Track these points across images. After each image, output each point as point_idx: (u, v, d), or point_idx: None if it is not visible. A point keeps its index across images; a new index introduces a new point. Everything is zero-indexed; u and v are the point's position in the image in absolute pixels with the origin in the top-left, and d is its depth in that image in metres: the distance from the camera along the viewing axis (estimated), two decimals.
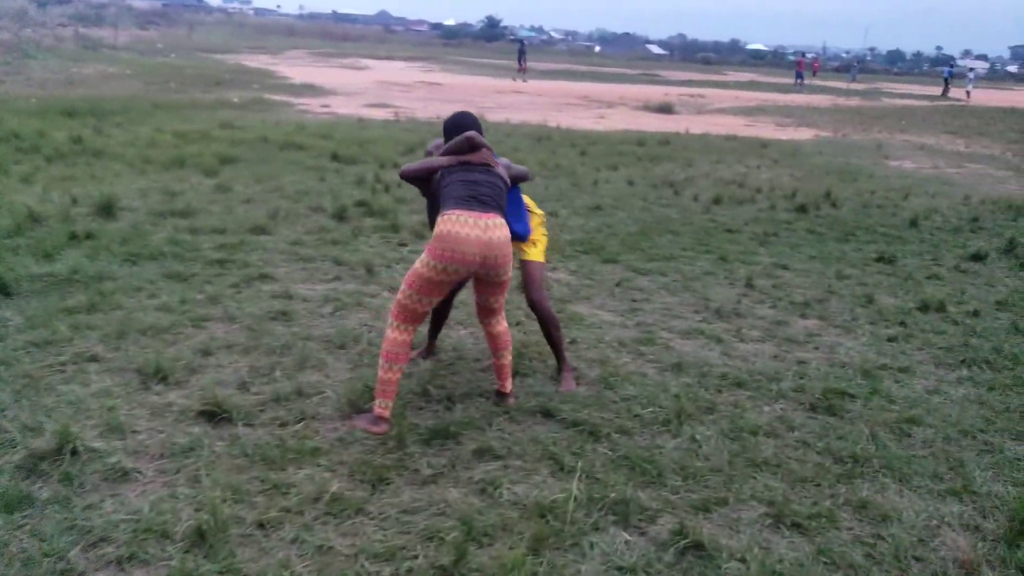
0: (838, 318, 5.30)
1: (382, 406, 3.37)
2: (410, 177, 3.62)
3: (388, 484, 2.99)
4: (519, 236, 3.86)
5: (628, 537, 2.75)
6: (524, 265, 4.01)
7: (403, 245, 6.31)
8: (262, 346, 4.19)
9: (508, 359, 3.71)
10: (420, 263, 3.38)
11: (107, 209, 6.54)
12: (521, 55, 33.18)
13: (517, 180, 3.76)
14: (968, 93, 37.76)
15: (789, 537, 2.81)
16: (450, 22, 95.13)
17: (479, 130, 3.61)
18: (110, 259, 5.43)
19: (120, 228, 6.18)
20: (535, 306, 3.99)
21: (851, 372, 4.36)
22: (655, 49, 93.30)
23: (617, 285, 5.70)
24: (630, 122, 17.60)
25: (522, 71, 32.11)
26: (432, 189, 3.65)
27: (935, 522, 2.95)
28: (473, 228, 3.31)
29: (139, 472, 3.00)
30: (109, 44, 29.66)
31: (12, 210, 6.28)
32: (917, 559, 2.75)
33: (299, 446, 3.20)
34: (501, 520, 2.76)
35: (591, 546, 2.68)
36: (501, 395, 3.71)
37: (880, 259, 6.94)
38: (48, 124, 10.53)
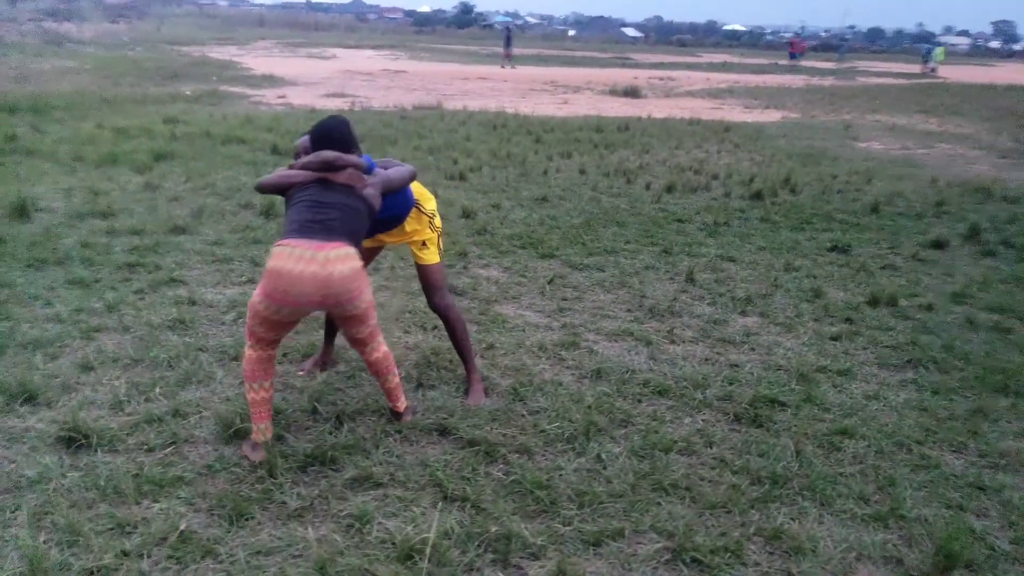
0: (780, 315, 5.04)
1: (257, 430, 3.07)
2: (267, 191, 3.19)
3: (248, 520, 2.70)
4: (398, 216, 3.47)
5: None
6: (421, 271, 3.67)
7: None
8: (149, 359, 3.87)
9: (394, 381, 3.32)
10: (255, 296, 2.96)
11: (21, 211, 6.17)
12: (508, 41, 32.68)
13: (402, 186, 3.33)
14: (933, 69, 37.85)
15: None
16: (424, 9, 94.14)
17: (346, 142, 3.18)
18: (12, 265, 5.09)
19: (31, 231, 5.83)
20: (440, 312, 3.70)
21: (786, 376, 4.10)
22: (630, 32, 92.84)
23: (549, 283, 5.41)
24: (593, 107, 17.27)
25: (508, 57, 31.62)
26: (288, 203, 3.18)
27: (854, 554, 2.69)
28: (309, 263, 2.85)
29: None
30: (74, 39, 28.89)
31: None
32: None
33: (159, 476, 2.90)
34: (362, 563, 2.47)
35: None
36: (396, 415, 3.39)
37: (834, 248, 6.70)
38: None
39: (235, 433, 3.19)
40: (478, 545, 2.60)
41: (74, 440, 3.07)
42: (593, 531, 2.70)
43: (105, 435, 3.14)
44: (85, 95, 13.38)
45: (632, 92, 21.43)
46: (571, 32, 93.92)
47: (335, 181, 3.07)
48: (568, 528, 2.72)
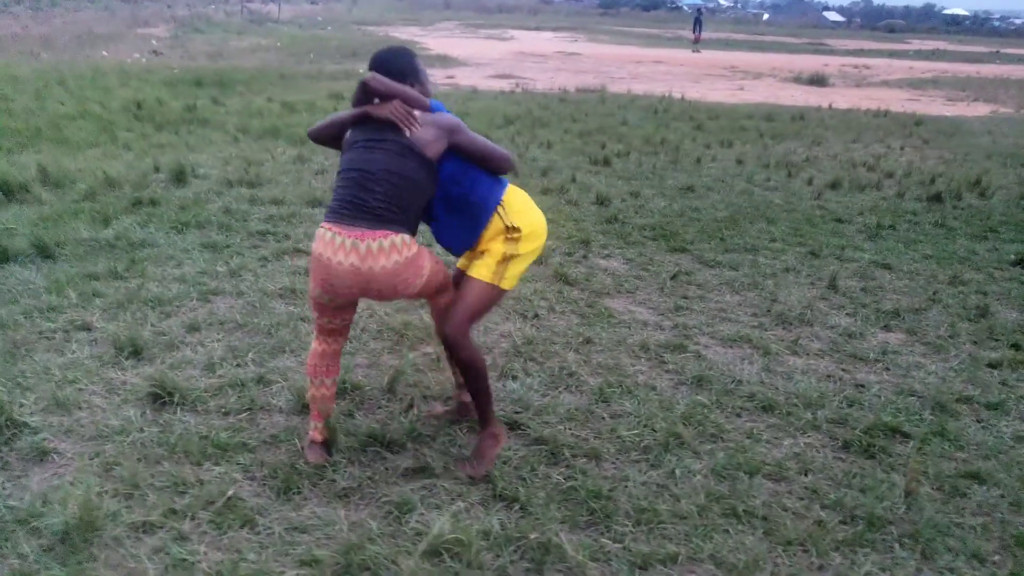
0: (931, 333, 4.43)
1: (315, 428, 2.90)
2: (318, 139, 2.76)
3: (296, 494, 2.68)
4: (452, 248, 2.86)
5: None
6: (462, 282, 2.84)
7: None
8: (252, 325, 4.00)
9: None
10: (310, 281, 2.71)
11: (180, 176, 6.66)
12: (697, 24, 31.64)
13: (480, 154, 2.69)
14: None
15: None
16: None
17: (402, 73, 2.63)
18: (159, 226, 5.48)
19: (184, 196, 6.25)
20: (447, 343, 2.77)
21: (919, 404, 3.57)
22: (831, 16, 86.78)
23: (672, 278, 5.07)
24: (770, 95, 16.27)
25: (696, 41, 30.58)
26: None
27: None
28: (349, 254, 2.49)
29: (59, 454, 2.87)
30: (273, 19, 31.25)
31: (93, 175, 6.51)
32: None
33: (226, 440, 2.96)
34: (389, 553, 2.37)
35: None
36: (463, 407, 3.12)
37: (1020, 263, 5.82)
38: (172, 93, 11.06)
39: (307, 406, 3.20)
40: (514, 550, 2.43)
41: (160, 397, 3.21)
42: (643, 552, 2.44)
43: (190, 395, 3.26)
44: (266, 71, 14.36)
45: (818, 80, 20.04)
46: (765, 16, 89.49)
47: (379, 118, 2.58)
48: (617, 546, 2.48)
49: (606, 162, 8.47)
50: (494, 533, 2.49)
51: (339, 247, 2.50)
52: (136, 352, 3.61)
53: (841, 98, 16.22)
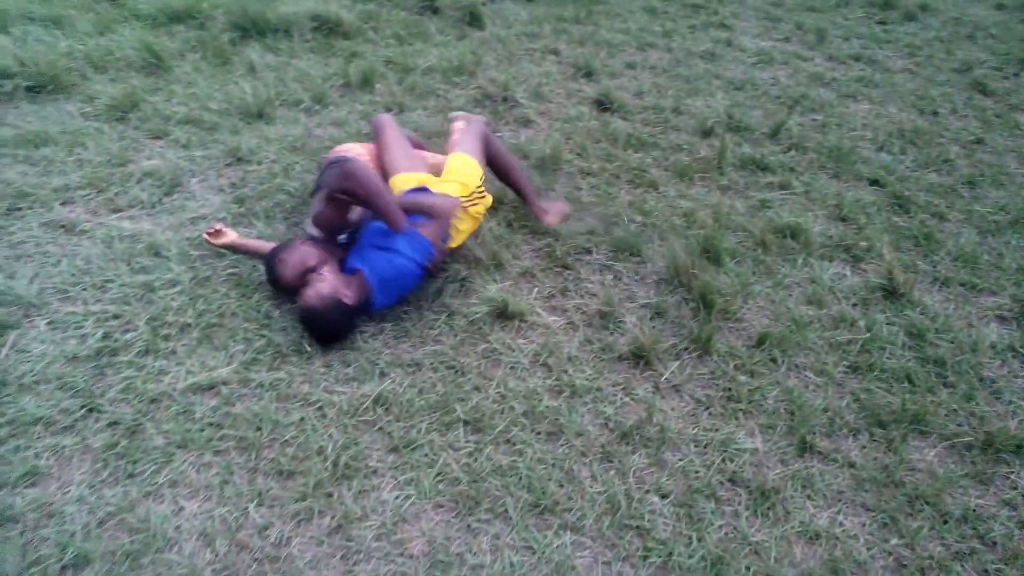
0: None
1: None
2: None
3: (688, 179, 3.65)
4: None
5: None
6: None
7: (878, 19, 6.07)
8: (675, 72, 4.90)
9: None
10: None
11: None
12: None
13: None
14: None
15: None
16: None
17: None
18: None
19: None
20: None
21: None
22: None
23: None
24: None
25: None
26: None
27: None
28: None
29: (535, 124, 4.16)
30: None
31: None
32: None
33: (645, 139, 4.00)
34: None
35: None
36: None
37: None
38: None
39: (706, 132, 4.09)
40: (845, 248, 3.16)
41: (602, 103, 4.33)
42: (946, 276, 3.01)
43: (623, 107, 4.33)
44: None
45: None
46: None
47: None
48: (931, 269, 3.06)
49: None
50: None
51: None
52: (589, 74, 4.75)
53: None
